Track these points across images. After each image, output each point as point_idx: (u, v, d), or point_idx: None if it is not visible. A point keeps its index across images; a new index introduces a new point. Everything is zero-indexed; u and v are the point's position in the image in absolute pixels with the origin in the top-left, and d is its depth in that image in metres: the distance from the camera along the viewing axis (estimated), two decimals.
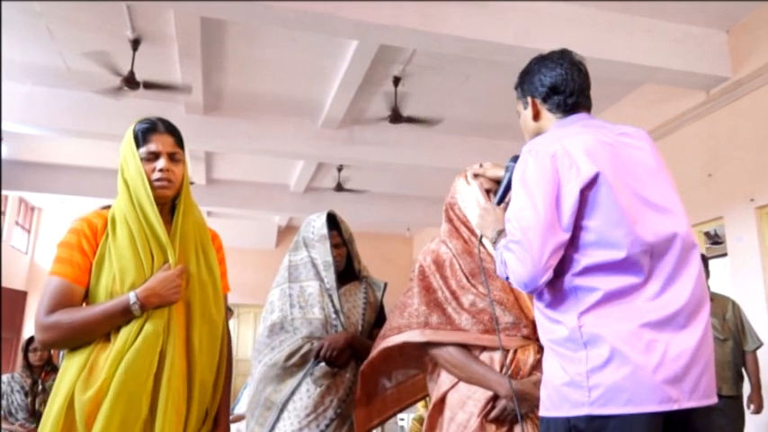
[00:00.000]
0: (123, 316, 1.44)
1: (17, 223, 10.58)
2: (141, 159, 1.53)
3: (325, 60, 5.45)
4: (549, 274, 1.33)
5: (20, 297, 10.65)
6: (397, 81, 5.77)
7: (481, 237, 1.63)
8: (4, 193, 9.39)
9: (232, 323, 8.26)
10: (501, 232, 1.48)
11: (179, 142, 1.59)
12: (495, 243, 1.50)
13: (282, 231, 11.90)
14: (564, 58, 1.53)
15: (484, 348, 1.72)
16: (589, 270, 1.34)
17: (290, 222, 11.66)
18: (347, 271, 2.29)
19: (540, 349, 1.77)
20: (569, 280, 1.36)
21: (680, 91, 5.21)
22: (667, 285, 1.35)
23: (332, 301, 2.15)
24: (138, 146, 1.54)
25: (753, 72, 4.58)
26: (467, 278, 1.79)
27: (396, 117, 5.91)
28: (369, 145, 6.98)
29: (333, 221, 2.27)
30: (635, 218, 1.34)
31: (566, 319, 1.35)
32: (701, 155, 5.22)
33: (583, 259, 1.34)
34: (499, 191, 1.66)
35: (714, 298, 3.74)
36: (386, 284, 2.33)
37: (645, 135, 1.51)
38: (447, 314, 1.76)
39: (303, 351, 2.06)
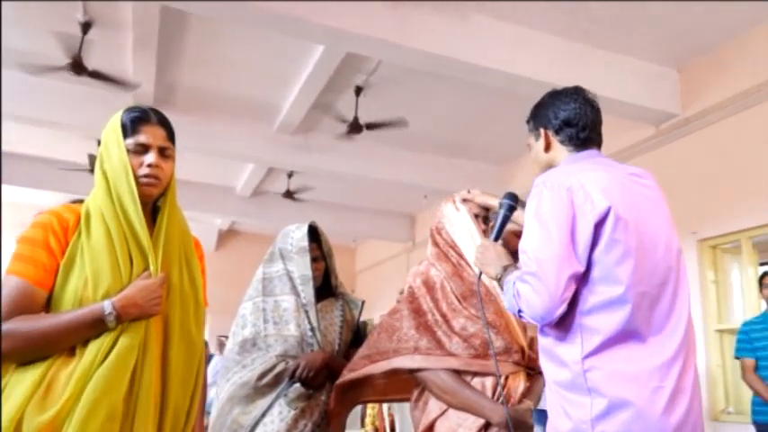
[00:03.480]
0: (94, 327, 1.26)
1: None
2: (128, 151, 1.36)
3: (288, 64, 5.31)
4: (563, 308, 1.32)
5: None
6: (359, 91, 5.70)
7: (480, 273, 1.59)
8: None
9: None
10: (507, 268, 1.46)
11: (171, 137, 1.44)
12: (500, 279, 1.48)
13: (223, 235, 11.52)
14: (578, 94, 1.58)
15: (475, 374, 1.67)
16: (594, 309, 1.34)
17: (232, 226, 11.31)
18: (323, 287, 2.18)
19: (528, 377, 1.75)
20: (576, 317, 1.35)
21: (630, 123, 5.40)
22: (665, 323, 1.37)
23: (308, 318, 2.03)
24: (125, 136, 1.38)
25: (701, 111, 4.82)
26: (458, 300, 1.74)
27: (354, 127, 5.83)
28: (323, 153, 6.86)
29: (312, 234, 2.16)
30: (640, 256, 1.36)
31: (570, 363, 1.35)
32: None
33: (590, 297, 1.35)
34: (495, 227, 1.63)
35: None
36: (363, 303, 2.24)
37: (650, 176, 1.55)
38: (437, 338, 1.70)
39: (277, 370, 1.92)
